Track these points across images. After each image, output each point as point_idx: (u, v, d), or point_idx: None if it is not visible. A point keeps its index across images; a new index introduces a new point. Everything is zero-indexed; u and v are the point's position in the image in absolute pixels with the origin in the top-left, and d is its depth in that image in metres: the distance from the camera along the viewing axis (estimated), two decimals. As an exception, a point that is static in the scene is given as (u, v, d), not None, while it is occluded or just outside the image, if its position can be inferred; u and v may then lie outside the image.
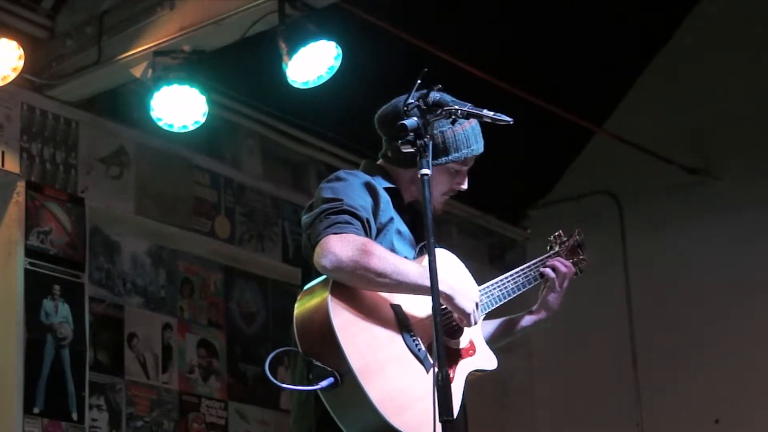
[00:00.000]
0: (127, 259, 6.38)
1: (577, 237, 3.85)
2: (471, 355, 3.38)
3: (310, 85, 5.51)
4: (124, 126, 6.36)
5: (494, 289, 3.58)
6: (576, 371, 8.15)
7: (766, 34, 7.69)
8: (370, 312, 3.16)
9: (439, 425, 2.85)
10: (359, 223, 3.18)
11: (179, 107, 5.80)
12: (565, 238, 3.83)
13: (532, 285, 3.72)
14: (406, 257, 3.29)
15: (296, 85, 5.53)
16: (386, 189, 3.40)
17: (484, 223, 8.36)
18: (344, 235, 3.13)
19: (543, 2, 7.28)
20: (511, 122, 3.18)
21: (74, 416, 5.81)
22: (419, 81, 3.18)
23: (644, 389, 7.96)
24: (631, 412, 7.95)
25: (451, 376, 3.24)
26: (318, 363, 3.05)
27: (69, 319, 5.89)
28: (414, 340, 3.21)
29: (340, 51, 5.42)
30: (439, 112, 3.12)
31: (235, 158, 6.98)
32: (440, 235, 3.13)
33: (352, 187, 3.29)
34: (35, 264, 5.83)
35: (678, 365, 7.78)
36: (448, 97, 3.23)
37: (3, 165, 5.81)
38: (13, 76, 5.65)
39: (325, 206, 3.22)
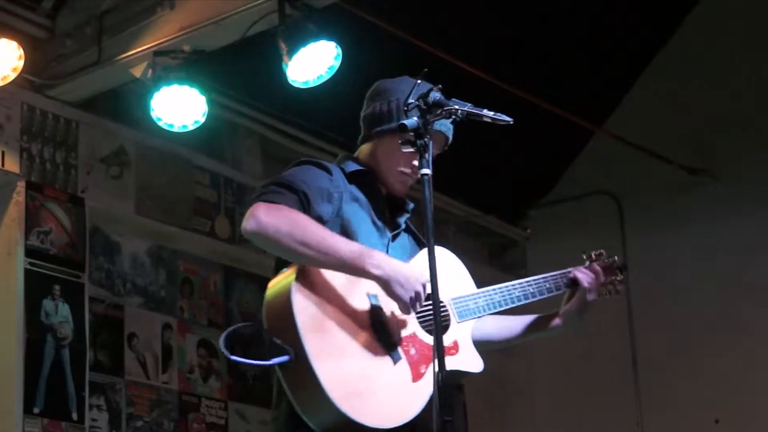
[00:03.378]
0: (127, 259, 6.38)
1: (615, 259, 3.81)
2: (451, 354, 3.30)
3: (310, 85, 5.51)
4: (124, 126, 6.36)
5: (514, 289, 3.53)
6: (576, 371, 8.15)
7: (766, 34, 7.68)
8: (339, 297, 3.14)
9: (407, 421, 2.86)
10: (293, 196, 3.15)
11: (179, 107, 5.80)
12: (604, 257, 3.79)
13: (560, 291, 3.67)
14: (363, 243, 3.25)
15: (296, 85, 5.53)
16: (354, 172, 3.37)
17: (484, 223, 8.36)
18: (273, 204, 3.11)
19: (543, 2, 7.28)
20: (511, 122, 3.17)
21: (74, 416, 5.81)
22: (419, 81, 3.18)
23: (644, 389, 7.96)
24: (631, 412, 7.96)
25: (422, 371, 3.19)
26: (277, 341, 3.05)
27: (69, 319, 5.89)
28: (385, 330, 3.17)
29: (340, 51, 5.42)
30: (439, 112, 3.12)
31: (235, 158, 6.98)
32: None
33: (300, 168, 3.29)
34: (35, 264, 5.83)
35: (678, 365, 7.78)
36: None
37: (3, 165, 5.81)
38: (13, 76, 5.65)
39: (265, 182, 3.24)
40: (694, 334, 7.75)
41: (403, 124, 3.07)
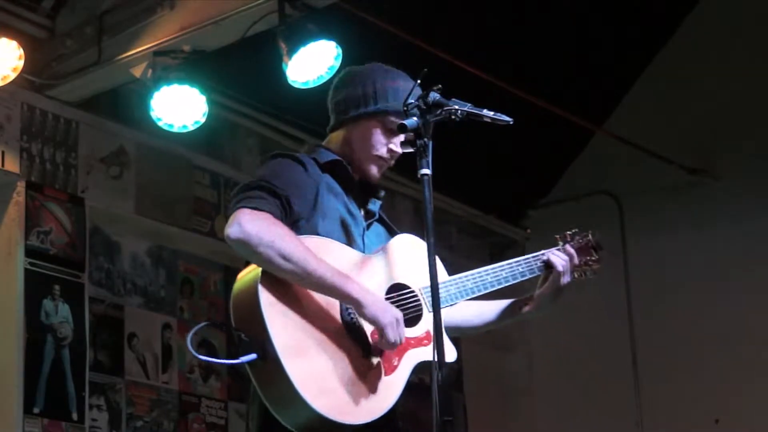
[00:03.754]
0: (127, 259, 6.38)
1: (590, 237, 3.74)
2: (424, 345, 3.25)
3: (310, 85, 5.51)
4: (124, 126, 6.36)
5: (486, 275, 3.47)
6: (576, 371, 8.15)
7: (766, 33, 7.69)
8: (309, 293, 3.09)
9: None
10: (276, 201, 3.12)
11: (179, 107, 5.80)
12: (578, 237, 3.73)
13: (533, 275, 3.60)
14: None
15: (296, 85, 5.52)
16: (328, 163, 3.33)
17: (484, 223, 8.36)
18: (258, 211, 3.07)
19: (543, 2, 7.28)
20: (511, 122, 3.17)
21: (74, 416, 5.81)
22: (419, 81, 3.18)
23: (644, 389, 7.96)
24: (631, 412, 7.96)
25: (395, 364, 3.16)
26: (245, 338, 3.01)
27: (69, 319, 5.89)
28: (355, 324, 3.12)
29: (340, 51, 5.42)
30: (439, 112, 3.11)
31: (235, 158, 6.98)
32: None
33: (278, 164, 3.25)
34: (35, 264, 5.83)
35: (678, 365, 7.78)
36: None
37: (3, 165, 5.81)
38: (13, 76, 5.65)
39: (243, 183, 3.19)
40: (694, 334, 7.75)
41: (403, 124, 3.07)
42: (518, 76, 6.95)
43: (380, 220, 3.46)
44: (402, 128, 3.07)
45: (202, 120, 5.86)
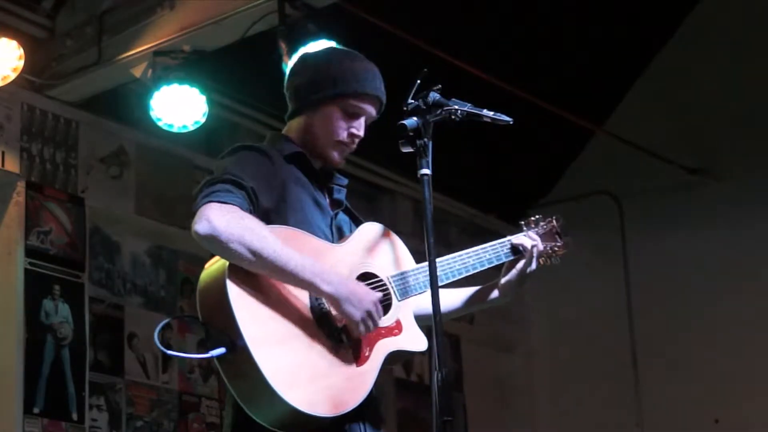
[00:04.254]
0: (127, 259, 6.38)
1: (554, 223, 3.70)
2: (395, 335, 3.20)
3: (311, 85, 5.50)
4: (124, 126, 6.36)
5: (454, 262, 3.42)
6: (576, 371, 8.15)
7: (766, 33, 7.69)
8: (277, 284, 3.05)
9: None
10: (242, 193, 3.05)
11: (179, 107, 5.81)
12: (543, 223, 3.69)
13: (501, 262, 3.55)
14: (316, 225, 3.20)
15: (296, 85, 5.52)
16: (291, 155, 3.27)
17: (484, 223, 8.36)
18: (225, 204, 3.00)
19: (543, 2, 7.28)
20: (511, 122, 3.17)
21: (74, 416, 5.81)
22: (419, 81, 3.18)
23: (644, 389, 7.96)
24: (631, 412, 7.96)
25: (367, 354, 3.11)
26: (214, 331, 2.96)
27: (69, 319, 5.89)
28: (325, 315, 3.08)
29: (340, 51, 5.42)
30: (438, 112, 3.11)
31: (235, 158, 6.97)
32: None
33: (242, 157, 3.19)
34: (35, 264, 5.83)
35: (678, 365, 7.78)
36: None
37: (3, 165, 5.82)
38: (13, 76, 5.65)
39: (208, 177, 3.13)
40: (694, 334, 7.75)
41: (403, 124, 3.07)
42: (518, 76, 6.95)
43: (345, 209, 3.41)
44: (402, 128, 3.07)
45: (202, 120, 5.86)
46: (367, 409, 3.13)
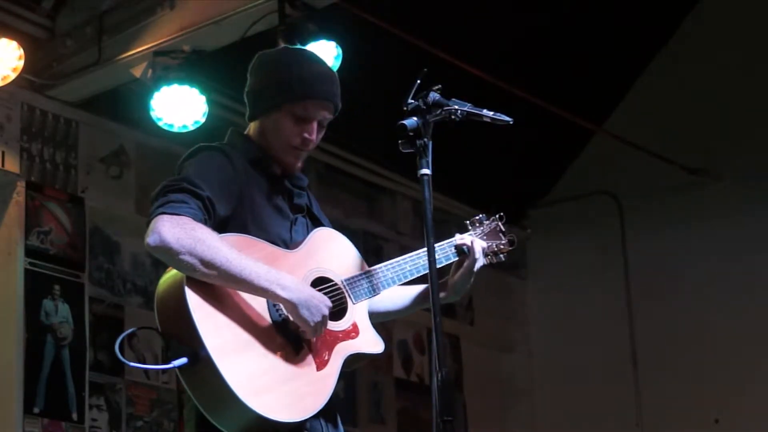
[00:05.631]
0: (127, 259, 6.38)
1: (498, 222, 3.71)
2: (352, 338, 3.23)
3: (311, 85, 5.50)
4: (124, 126, 6.36)
5: (405, 263, 3.43)
6: (576, 371, 8.15)
7: (766, 33, 7.69)
8: (235, 293, 3.06)
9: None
10: (197, 203, 3.05)
11: (179, 107, 5.81)
12: (487, 222, 3.71)
13: (449, 261, 3.55)
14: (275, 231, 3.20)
15: (296, 85, 5.52)
16: (253, 159, 3.28)
17: (484, 223, 8.35)
18: (177, 216, 3.00)
19: (543, 2, 7.28)
20: (511, 122, 3.17)
21: (74, 416, 5.81)
22: (419, 81, 3.18)
23: (644, 389, 7.96)
24: (631, 412, 7.96)
25: (326, 358, 3.13)
26: (174, 342, 2.97)
27: (69, 319, 5.90)
28: (284, 321, 3.09)
29: (340, 51, 5.42)
30: (438, 112, 3.12)
31: (235, 158, 6.97)
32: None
33: (201, 160, 3.22)
34: (35, 264, 5.83)
35: (678, 365, 7.78)
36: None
37: (3, 165, 5.82)
38: (13, 76, 5.65)
39: (165, 182, 3.14)
40: (694, 334, 7.75)
41: (403, 124, 3.07)
42: (518, 76, 6.95)
43: (308, 213, 3.41)
44: (401, 128, 3.07)
45: (202, 120, 5.87)
46: (328, 409, 3.13)
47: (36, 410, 5.66)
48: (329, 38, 5.40)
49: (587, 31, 7.47)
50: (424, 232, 3.07)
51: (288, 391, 3.01)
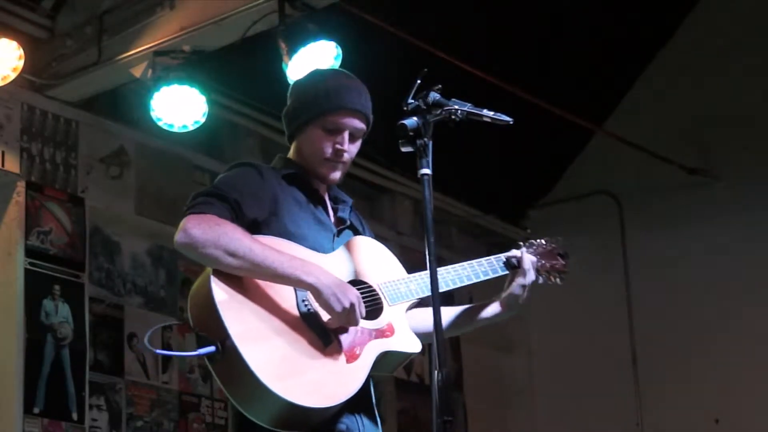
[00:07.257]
0: (127, 259, 6.38)
1: (555, 245, 3.75)
2: (387, 337, 3.23)
3: (311, 86, 5.50)
4: (124, 126, 6.37)
5: (447, 273, 3.45)
6: (576, 371, 8.15)
7: (766, 34, 7.69)
8: (263, 286, 3.11)
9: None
10: (224, 205, 3.15)
11: (179, 107, 5.81)
12: (544, 242, 3.74)
13: (497, 275, 3.60)
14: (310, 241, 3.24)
15: (296, 85, 5.52)
16: (288, 175, 3.35)
17: (484, 223, 8.37)
18: (203, 214, 3.13)
19: (543, 2, 7.28)
20: (511, 122, 3.17)
21: (74, 416, 5.81)
22: (419, 81, 3.18)
23: (644, 389, 7.97)
24: (631, 412, 7.96)
25: (357, 353, 3.14)
26: (203, 334, 3.04)
27: (69, 319, 5.90)
28: (313, 314, 3.12)
29: (340, 51, 5.42)
30: (439, 112, 3.12)
31: (235, 158, 6.94)
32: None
33: (232, 172, 3.31)
34: (35, 264, 5.83)
35: (678, 365, 7.79)
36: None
37: (3, 165, 5.82)
38: (13, 76, 5.65)
39: (195, 192, 3.24)
40: (694, 334, 7.75)
41: (403, 123, 3.08)
42: (518, 76, 6.95)
43: (352, 227, 3.46)
44: (401, 128, 3.07)
45: (202, 120, 5.87)
46: (362, 405, 3.15)
47: (36, 410, 5.66)
48: (329, 38, 5.40)
49: (587, 31, 7.47)
50: (424, 232, 3.07)
51: (313, 379, 3.02)
